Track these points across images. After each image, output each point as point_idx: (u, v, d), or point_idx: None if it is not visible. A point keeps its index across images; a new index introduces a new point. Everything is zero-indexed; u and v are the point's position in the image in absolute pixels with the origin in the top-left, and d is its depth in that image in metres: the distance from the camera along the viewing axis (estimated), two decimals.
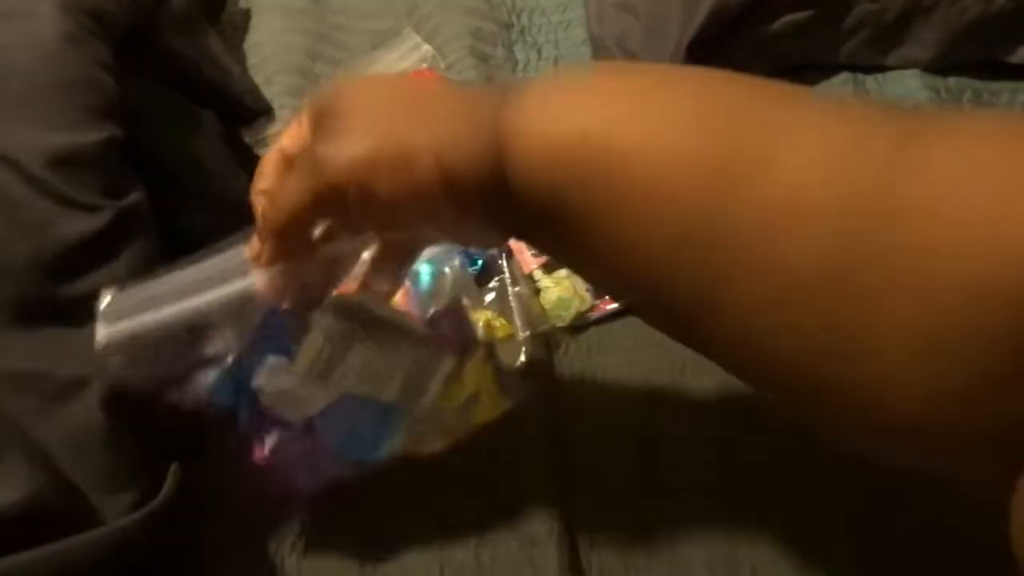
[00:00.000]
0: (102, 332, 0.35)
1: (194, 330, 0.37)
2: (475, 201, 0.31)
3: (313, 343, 0.37)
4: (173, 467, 0.41)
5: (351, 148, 0.30)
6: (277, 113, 0.64)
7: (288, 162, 0.35)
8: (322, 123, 0.32)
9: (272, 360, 0.39)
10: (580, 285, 0.53)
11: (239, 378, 0.40)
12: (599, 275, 0.35)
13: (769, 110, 0.28)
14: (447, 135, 0.31)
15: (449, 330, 0.42)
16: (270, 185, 0.35)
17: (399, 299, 0.52)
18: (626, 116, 0.29)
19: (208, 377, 0.39)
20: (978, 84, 0.63)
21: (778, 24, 0.61)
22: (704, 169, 0.27)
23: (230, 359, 0.39)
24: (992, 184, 0.22)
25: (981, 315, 0.22)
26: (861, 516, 0.45)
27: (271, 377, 0.39)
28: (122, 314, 0.35)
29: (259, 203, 0.35)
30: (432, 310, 0.43)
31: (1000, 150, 0.23)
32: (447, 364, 0.40)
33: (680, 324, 0.32)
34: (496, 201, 0.31)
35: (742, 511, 0.46)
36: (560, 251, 0.35)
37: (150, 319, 0.35)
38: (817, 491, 0.46)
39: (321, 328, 0.37)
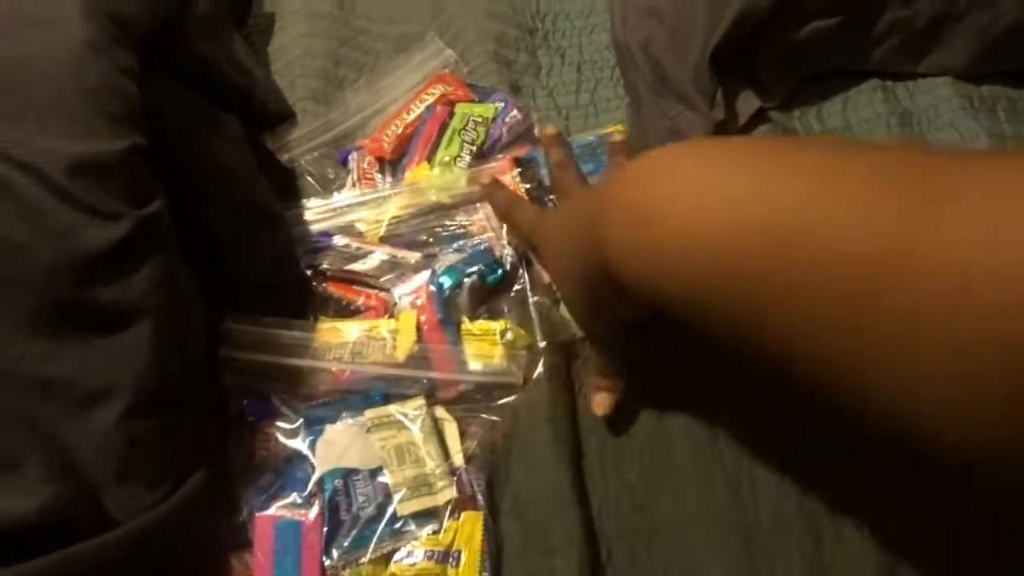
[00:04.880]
0: None
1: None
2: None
3: (398, 405, 0.49)
4: (197, 475, 0.41)
5: None
6: (300, 117, 0.64)
7: None
8: None
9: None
10: None
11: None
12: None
13: (817, 187, 0.29)
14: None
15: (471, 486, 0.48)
16: None
17: (423, 301, 0.52)
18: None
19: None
20: (1012, 92, 0.61)
21: (805, 30, 0.60)
22: (766, 241, 0.29)
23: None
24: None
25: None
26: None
27: (338, 425, 0.48)
28: None
29: None
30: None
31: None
32: (445, 494, 0.46)
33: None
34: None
35: (759, 528, 0.46)
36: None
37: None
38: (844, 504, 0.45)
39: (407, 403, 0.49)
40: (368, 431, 0.47)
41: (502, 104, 0.61)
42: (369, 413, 0.48)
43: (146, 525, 0.38)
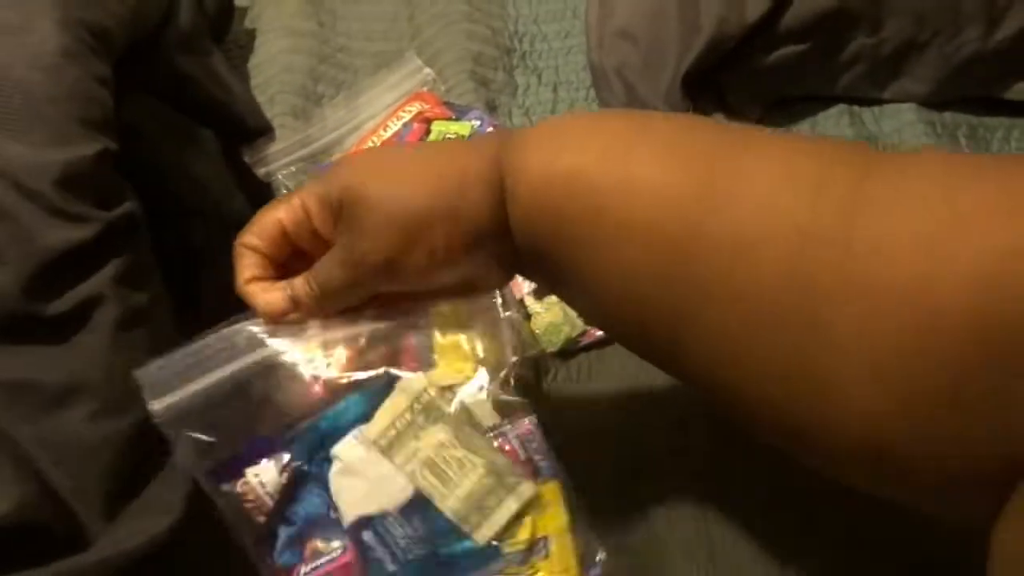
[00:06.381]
0: (156, 405, 0.35)
1: (245, 396, 0.37)
2: (486, 244, 0.35)
3: (395, 405, 0.36)
4: (184, 490, 0.38)
5: (384, 244, 0.34)
6: (277, 132, 0.64)
7: (287, 238, 0.38)
8: (344, 216, 0.35)
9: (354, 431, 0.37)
10: (571, 311, 0.53)
11: (316, 445, 0.37)
12: (588, 307, 0.38)
13: (737, 147, 0.30)
14: (456, 196, 0.34)
15: (523, 448, 0.36)
16: (270, 251, 0.38)
17: None
18: (606, 156, 0.31)
19: (282, 455, 0.37)
20: (974, 120, 0.63)
21: (775, 56, 0.61)
22: (675, 202, 0.29)
23: (304, 426, 0.37)
24: (940, 217, 0.24)
25: (937, 339, 0.23)
26: (851, 547, 0.45)
27: (348, 448, 0.37)
28: (167, 387, 0.35)
29: (242, 255, 0.39)
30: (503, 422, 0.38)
31: (946, 185, 0.25)
32: (523, 491, 0.35)
33: (659, 353, 0.34)
34: (500, 240, 0.35)
35: (731, 542, 0.46)
36: (554, 284, 0.38)
37: (200, 384, 0.36)
38: (811, 520, 0.46)
39: (406, 392, 0.37)
40: (383, 452, 0.36)
41: (478, 122, 0.62)
42: (372, 429, 0.36)
43: (129, 553, 0.37)
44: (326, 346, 0.38)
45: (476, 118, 0.62)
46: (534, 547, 0.35)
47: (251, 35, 0.72)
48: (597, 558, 0.36)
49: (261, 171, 0.62)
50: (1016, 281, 0.22)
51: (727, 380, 0.30)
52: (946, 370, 0.23)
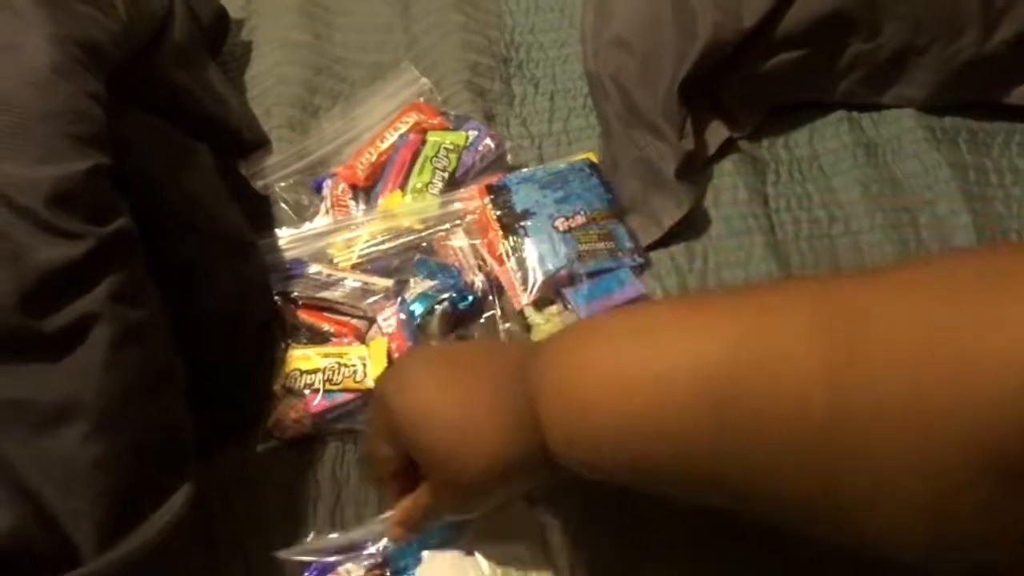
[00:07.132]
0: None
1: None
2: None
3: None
4: (167, 505, 0.39)
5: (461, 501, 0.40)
6: (274, 145, 0.64)
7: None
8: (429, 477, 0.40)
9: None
10: (570, 323, 0.53)
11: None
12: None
13: (749, 332, 0.31)
14: (507, 445, 0.37)
15: None
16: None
17: (394, 328, 0.52)
18: (631, 384, 0.33)
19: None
20: (973, 124, 0.63)
21: (772, 63, 0.61)
22: (699, 403, 0.31)
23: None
24: (942, 346, 0.26)
25: (931, 450, 0.26)
26: None
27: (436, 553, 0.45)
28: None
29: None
30: None
31: (924, 323, 0.27)
32: None
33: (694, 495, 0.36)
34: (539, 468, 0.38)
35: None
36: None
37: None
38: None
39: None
40: (472, 552, 0.44)
41: (475, 133, 0.62)
42: (473, 531, 0.45)
43: (116, 560, 0.37)
44: None
45: (473, 128, 0.62)
46: None
47: (247, 47, 0.72)
48: None
49: (259, 184, 0.62)
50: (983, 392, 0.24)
51: (769, 509, 0.32)
52: (944, 478, 0.25)
